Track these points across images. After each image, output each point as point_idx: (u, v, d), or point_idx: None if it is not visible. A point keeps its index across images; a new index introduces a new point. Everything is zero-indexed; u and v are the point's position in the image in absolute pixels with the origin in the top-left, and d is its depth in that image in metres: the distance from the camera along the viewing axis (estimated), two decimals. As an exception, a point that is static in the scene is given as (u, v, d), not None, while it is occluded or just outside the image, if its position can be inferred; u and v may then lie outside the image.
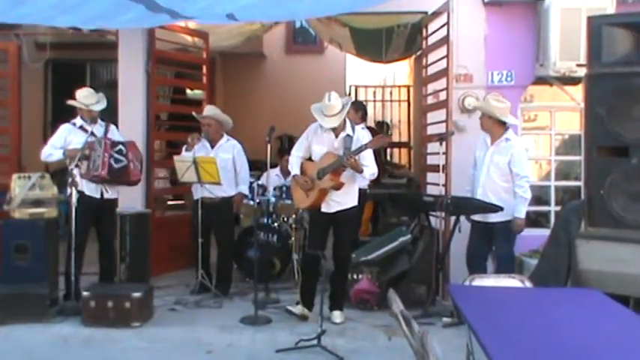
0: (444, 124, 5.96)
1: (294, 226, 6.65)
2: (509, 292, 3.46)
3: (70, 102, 5.78)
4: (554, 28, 6.03)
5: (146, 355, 4.56)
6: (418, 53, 8.21)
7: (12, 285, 5.23)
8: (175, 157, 6.14)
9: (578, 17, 5.84)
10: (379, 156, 6.68)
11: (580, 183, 5.92)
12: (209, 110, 6.26)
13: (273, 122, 6.10)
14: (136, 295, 5.09)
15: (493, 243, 5.41)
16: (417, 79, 8.73)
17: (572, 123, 6.82)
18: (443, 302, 5.63)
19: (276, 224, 6.67)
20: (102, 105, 5.78)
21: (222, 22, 6.41)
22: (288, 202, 6.59)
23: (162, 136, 8.29)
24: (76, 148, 5.55)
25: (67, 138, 5.66)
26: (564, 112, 6.90)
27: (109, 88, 8.01)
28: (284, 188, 6.77)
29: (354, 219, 5.51)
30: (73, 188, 5.30)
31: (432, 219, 5.76)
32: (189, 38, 7.66)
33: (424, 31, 6.72)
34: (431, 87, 6.59)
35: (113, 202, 5.90)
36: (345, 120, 5.11)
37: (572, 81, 6.25)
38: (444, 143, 5.67)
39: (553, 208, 6.66)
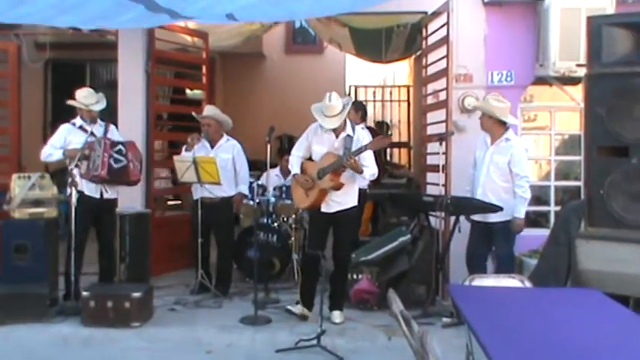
0: (443, 124, 5.96)
1: (293, 226, 6.64)
2: (509, 292, 3.46)
3: (70, 102, 5.78)
4: (553, 28, 6.03)
5: (146, 355, 4.56)
6: (418, 53, 8.21)
7: (12, 285, 5.23)
8: (175, 157, 6.14)
9: (577, 17, 5.84)
10: (379, 156, 6.68)
11: (580, 183, 5.92)
12: (209, 110, 6.26)
13: (272, 122, 6.11)
14: (136, 295, 5.09)
15: (493, 243, 5.41)
16: (417, 79, 8.73)
17: (572, 123, 6.82)
18: (442, 302, 5.63)
19: (275, 224, 6.67)
20: (101, 105, 5.78)
21: (221, 22, 6.41)
22: (288, 202, 6.59)
23: (162, 136, 8.29)
24: (75, 148, 5.54)
25: (66, 138, 5.66)
26: (564, 112, 6.90)
27: (108, 88, 8.02)
28: (284, 188, 6.77)
29: (354, 219, 5.51)
30: (73, 188, 5.30)
31: (432, 219, 5.76)
32: (188, 38, 7.67)
33: (424, 31, 6.72)
34: (431, 87, 6.59)
35: (113, 202, 5.90)
36: (345, 120, 5.11)
37: (572, 81, 6.25)
38: (443, 143, 5.67)
39: (553, 208, 6.67)
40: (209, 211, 5.96)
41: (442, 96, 6.17)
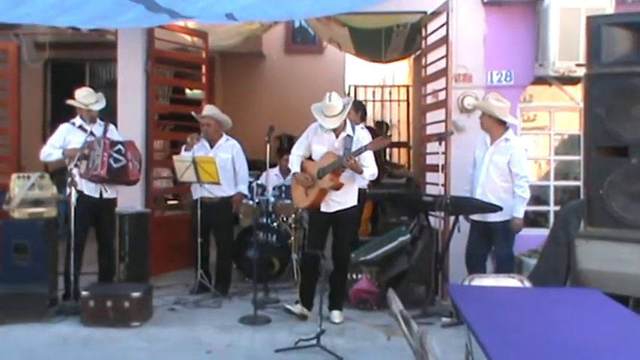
0: (443, 124, 5.96)
1: (293, 225, 6.65)
2: (508, 292, 3.45)
3: (70, 102, 5.78)
4: (553, 27, 6.03)
5: (145, 355, 4.56)
6: (417, 53, 8.21)
7: (11, 285, 5.23)
8: (174, 157, 6.14)
9: (577, 17, 5.84)
10: (379, 157, 6.68)
11: (579, 183, 5.92)
12: (208, 110, 6.26)
13: (272, 122, 6.11)
14: (136, 294, 5.09)
15: (492, 243, 5.41)
16: (417, 78, 8.73)
17: (572, 123, 6.82)
18: (442, 302, 5.63)
19: (275, 224, 6.67)
20: (101, 104, 5.78)
21: (221, 21, 6.42)
22: (288, 201, 6.59)
23: (161, 135, 8.28)
24: (75, 148, 5.54)
25: (66, 138, 5.66)
26: (563, 112, 6.90)
27: (108, 87, 8.02)
28: (283, 188, 6.78)
29: (354, 219, 5.51)
30: (73, 188, 5.30)
31: (432, 219, 5.76)
32: (188, 38, 7.66)
33: (423, 30, 6.72)
34: (430, 87, 6.59)
35: (112, 202, 5.90)
36: (345, 120, 5.10)
37: (572, 81, 6.25)
38: (443, 143, 5.67)
39: (552, 208, 6.66)
40: (208, 210, 5.96)
41: (441, 96, 6.17)
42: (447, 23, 5.90)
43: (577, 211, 4.63)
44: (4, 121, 7.27)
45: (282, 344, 4.60)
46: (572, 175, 7.03)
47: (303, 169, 5.26)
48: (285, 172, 7.14)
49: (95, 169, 5.49)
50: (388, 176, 8.64)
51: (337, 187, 5.07)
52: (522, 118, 6.83)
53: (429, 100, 6.65)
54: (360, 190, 5.42)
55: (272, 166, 6.82)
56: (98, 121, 5.80)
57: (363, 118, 6.54)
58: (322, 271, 4.86)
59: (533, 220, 6.72)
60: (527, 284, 3.67)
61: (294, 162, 5.30)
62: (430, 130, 6.49)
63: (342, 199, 5.17)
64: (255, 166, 7.50)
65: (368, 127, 6.46)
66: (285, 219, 6.77)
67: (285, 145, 10.62)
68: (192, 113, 6.37)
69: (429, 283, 5.54)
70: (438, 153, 5.66)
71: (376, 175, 5.28)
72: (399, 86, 11.56)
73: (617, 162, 4.28)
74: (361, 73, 12.42)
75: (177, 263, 6.89)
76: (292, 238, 6.59)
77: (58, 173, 6.63)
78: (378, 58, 8.94)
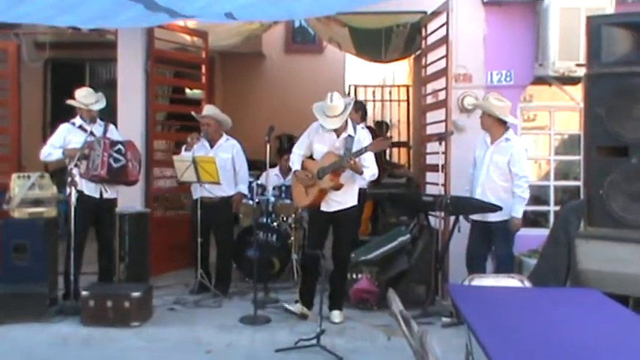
0: (443, 124, 5.96)
1: (293, 225, 6.65)
2: (508, 292, 3.45)
3: (70, 101, 5.78)
4: (553, 27, 6.03)
5: (145, 355, 4.56)
6: (417, 53, 8.21)
7: (11, 284, 5.23)
8: (174, 157, 6.14)
9: (577, 17, 5.84)
10: (379, 157, 6.68)
11: (579, 183, 5.91)
12: (208, 110, 6.26)
13: (272, 122, 6.10)
14: (135, 294, 5.09)
15: (492, 243, 5.41)
16: (417, 78, 8.73)
17: (572, 123, 6.82)
18: (442, 302, 5.63)
19: (275, 224, 6.67)
20: (101, 104, 5.78)
21: (220, 21, 6.41)
22: (288, 201, 6.59)
23: (161, 135, 8.27)
24: (75, 148, 5.54)
25: (66, 137, 5.66)
26: (563, 112, 6.90)
27: (108, 87, 8.02)
28: (283, 188, 6.78)
29: (354, 218, 5.51)
30: (73, 188, 5.30)
31: (432, 219, 5.76)
32: (188, 38, 7.66)
33: (423, 30, 6.72)
34: (430, 87, 6.58)
35: (112, 202, 5.90)
36: (347, 120, 5.10)
37: (572, 81, 6.25)
38: (443, 143, 5.67)
39: (552, 208, 6.66)
40: (208, 210, 5.96)
41: (441, 96, 6.17)
42: (447, 23, 5.90)
43: (577, 211, 4.63)
44: (4, 120, 7.27)
45: (282, 344, 4.60)
46: (572, 175, 7.03)
47: (304, 167, 5.26)
48: (285, 172, 7.14)
49: (95, 169, 5.49)
50: (388, 176, 8.64)
51: (337, 187, 5.07)
52: (522, 118, 6.82)
53: (429, 100, 6.65)
54: (360, 189, 5.42)
55: (272, 166, 6.81)
56: (98, 121, 5.80)
57: (364, 117, 6.54)
58: (322, 271, 4.86)
59: (533, 220, 6.72)
60: (527, 284, 3.67)
61: (296, 160, 5.29)
62: (430, 130, 6.49)
63: (343, 198, 5.17)
64: (255, 166, 7.50)
65: (368, 127, 6.47)
66: (285, 219, 6.77)
67: (285, 145, 10.62)
68: (192, 113, 6.37)
69: (429, 283, 5.54)
70: (438, 153, 5.66)
71: (376, 176, 5.28)
72: (399, 86, 11.56)
73: (617, 162, 4.29)
74: (361, 72, 12.42)
75: (177, 263, 6.89)
76: (292, 238, 6.59)
77: (58, 173, 6.63)
78: (378, 58, 8.94)
